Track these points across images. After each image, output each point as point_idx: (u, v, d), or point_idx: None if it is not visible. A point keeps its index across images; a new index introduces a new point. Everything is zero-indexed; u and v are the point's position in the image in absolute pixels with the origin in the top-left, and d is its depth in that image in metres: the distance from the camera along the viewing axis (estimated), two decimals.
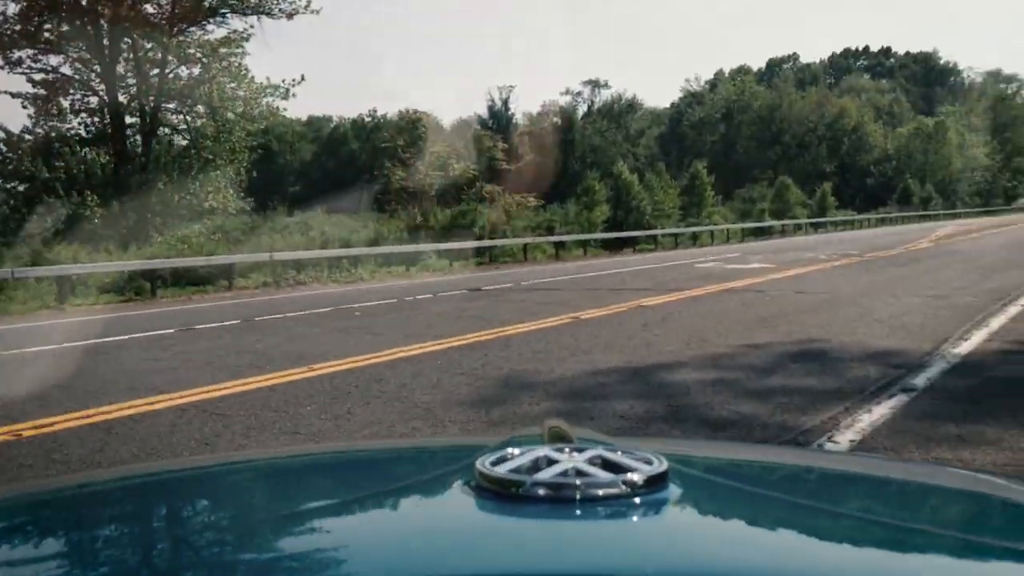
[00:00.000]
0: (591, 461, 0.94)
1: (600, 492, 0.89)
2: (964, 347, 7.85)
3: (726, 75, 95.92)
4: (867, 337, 8.49)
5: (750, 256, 22.95)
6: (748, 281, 14.91)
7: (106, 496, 1.25)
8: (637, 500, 0.89)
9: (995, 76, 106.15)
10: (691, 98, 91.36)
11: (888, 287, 13.36)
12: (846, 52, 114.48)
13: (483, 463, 0.96)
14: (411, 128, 33.63)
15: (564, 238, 32.29)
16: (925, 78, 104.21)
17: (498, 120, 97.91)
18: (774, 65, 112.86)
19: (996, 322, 9.33)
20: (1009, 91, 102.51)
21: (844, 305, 11.15)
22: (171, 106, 30.90)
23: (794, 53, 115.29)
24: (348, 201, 38.30)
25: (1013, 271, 15.60)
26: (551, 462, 0.94)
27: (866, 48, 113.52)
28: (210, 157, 30.28)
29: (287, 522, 1.02)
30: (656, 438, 4.56)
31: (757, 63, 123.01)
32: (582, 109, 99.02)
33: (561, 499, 0.88)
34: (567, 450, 0.98)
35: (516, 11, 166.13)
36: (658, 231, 36.27)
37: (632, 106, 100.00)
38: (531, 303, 12.62)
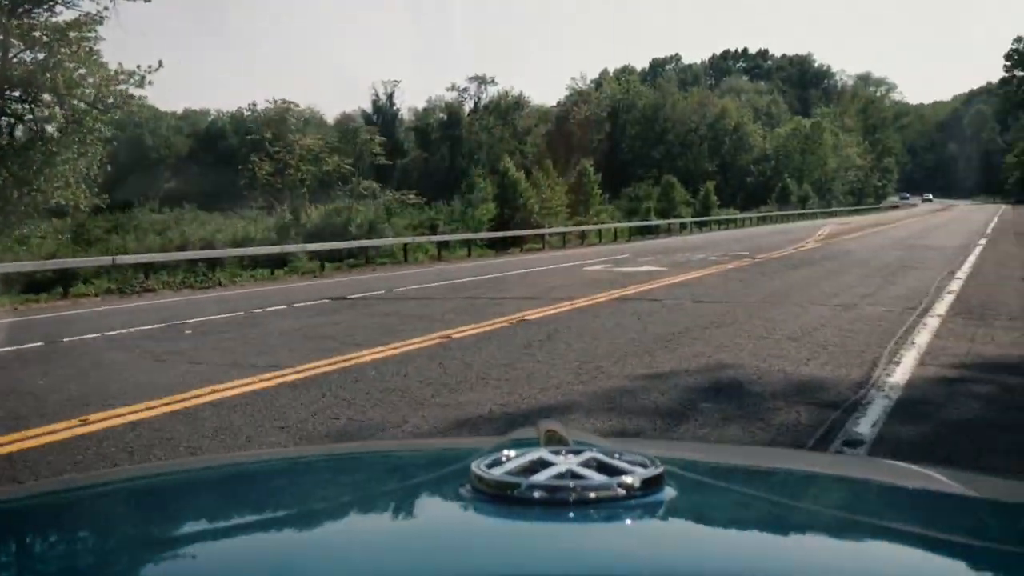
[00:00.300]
0: (587, 464, 0.93)
1: (596, 495, 0.88)
2: (898, 374, 6.62)
3: (611, 74, 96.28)
4: (784, 362, 7.18)
5: (640, 258, 21.84)
6: (641, 287, 13.62)
7: (101, 498, 1.23)
8: (633, 503, 0.89)
9: (865, 79, 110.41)
10: (577, 96, 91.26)
11: (789, 294, 12.27)
12: (725, 54, 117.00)
13: (478, 466, 0.95)
14: (280, 120, 31.23)
15: (447, 237, 30.62)
16: (801, 80, 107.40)
17: (382, 115, 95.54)
18: (657, 65, 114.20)
19: (920, 339, 8.20)
20: (878, 94, 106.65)
21: (748, 317, 9.92)
22: (16, 94, 27.75)
23: (676, 54, 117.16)
24: (224, 198, 35.63)
25: (911, 274, 14.86)
26: (546, 465, 0.93)
27: (745, 50, 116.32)
28: (55, 150, 27.22)
29: (283, 524, 1.01)
30: (652, 440, 4.38)
31: (641, 63, 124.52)
32: (469, 105, 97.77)
33: (557, 502, 0.88)
34: (563, 453, 0.97)
35: (402, 4, 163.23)
36: (546, 230, 35.02)
37: (519, 103, 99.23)
38: (399, 317, 10.92)
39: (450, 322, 10.08)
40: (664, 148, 77.09)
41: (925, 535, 1.00)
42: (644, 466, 0.94)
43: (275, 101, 30.88)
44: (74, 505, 1.21)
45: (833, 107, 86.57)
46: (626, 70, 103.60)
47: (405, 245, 27.15)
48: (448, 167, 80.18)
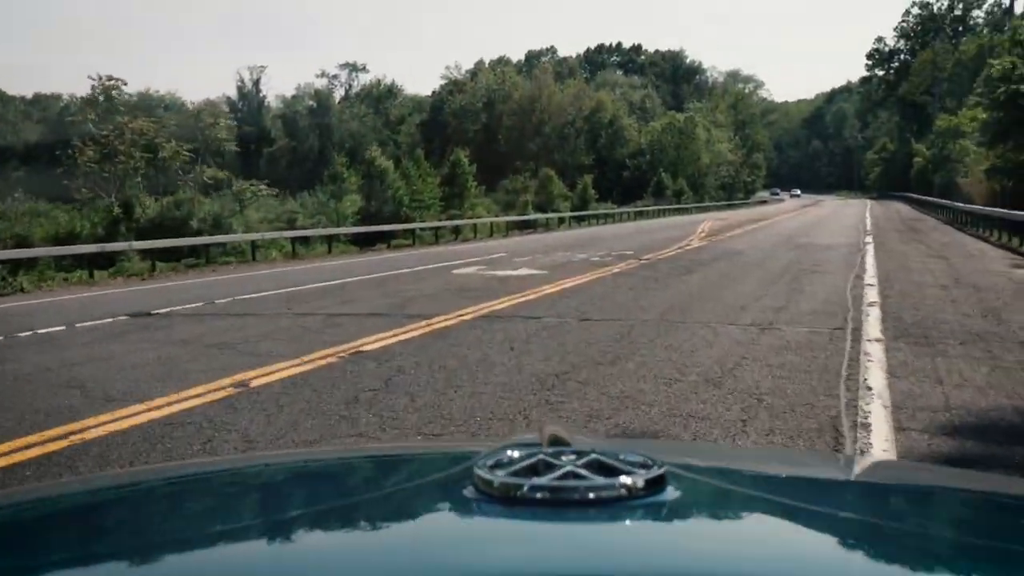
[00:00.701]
0: (589, 465, 0.93)
1: (598, 496, 0.88)
2: (878, 451, 4.56)
3: (487, 65, 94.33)
4: (714, 427, 5.02)
5: (517, 257, 19.63)
6: (516, 299, 11.35)
7: (100, 501, 1.23)
8: (635, 504, 0.89)
9: (734, 76, 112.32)
10: (453, 86, 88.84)
11: (690, 308, 10.24)
12: (600, 47, 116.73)
13: (481, 467, 0.95)
14: (105, 100, 27.31)
15: (304, 233, 27.68)
16: (673, 76, 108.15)
17: (248, 102, 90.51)
18: (533, 57, 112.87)
19: (875, 380, 6.21)
20: (747, 91, 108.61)
21: (650, 345, 7.77)
22: None
23: (552, 46, 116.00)
24: (57, 188, 31.39)
25: (816, 279, 13.16)
26: (549, 466, 0.93)
27: (619, 45, 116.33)
28: None
29: (288, 527, 1.01)
30: (654, 440, 4.28)
31: (517, 55, 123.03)
32: (339, 93, 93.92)
33: (559, 503, 0.88)
34: (565, 454, 0.96)
35: None
36: (416, 224, 32.44)
37: (392, 91, 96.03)
38: (196, 347, 8.25)
39: (261, 355, 7.52)
40: (541, 140, 75.62)
41: (929, 535, 1.00)
42: (646, 467, 0.94)
43: (99, 78, 26.96)
44: (69, 510, 1.18)
45: (705, 102, 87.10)
46: (502, 61, 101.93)
47: (253, 242, 24.10)
48: (318, 157, 76.31)
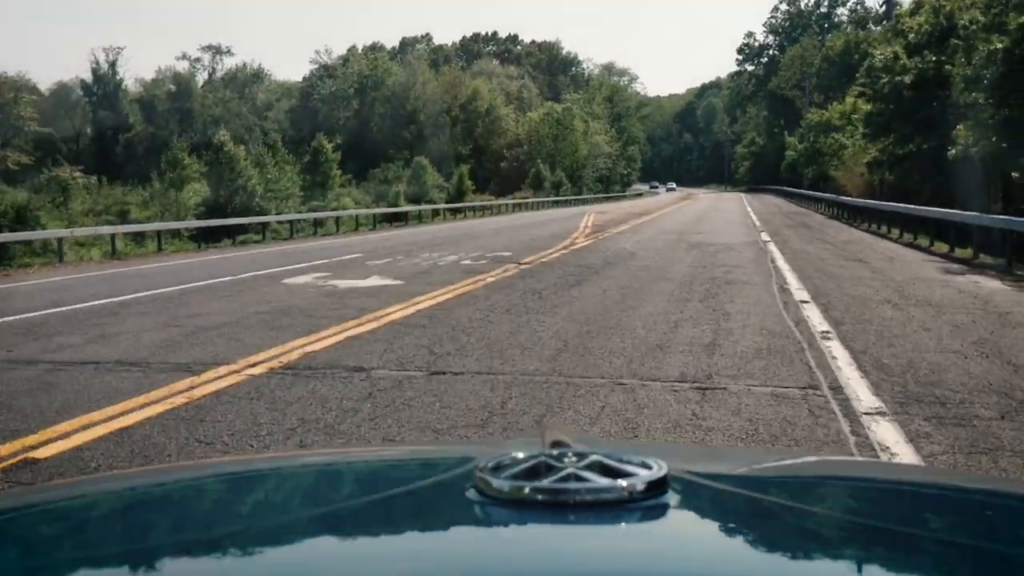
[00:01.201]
0: (590, 467, 0.91)
1: (599, 498, 0.87)
2: None
3: (360, 51, 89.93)
4: None
5: (372, 260, 16.26)
6: (346, 331, 8.07)
7: (102, 503, 1.21)
8: (636, 506, 0.88)
9: (609, 69, 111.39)
10: (323, 71, 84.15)
11: (590, 349, 7.20)
12: (476, 36, 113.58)
13: (482, 469, 0.93)
14: None
15: (132, 228, 23.47)
16: (550, 67, 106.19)
17: (103, 85, 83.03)
18: (408, 44, 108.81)
19: None
20: (622, 83, 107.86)
21: (535, 431, 4.70)
22: None
23: (427, 33, 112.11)
24: None
25: (736, 293, 10.41)
26: (550, 468, 0.91)
27: (495, 33, 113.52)
28: None
29: (290, 528, 0.99)
30: (657, 443, 4.21)
31: (391, 41, 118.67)
32: (203, 77, 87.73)
33: (560, 505, 0.87)
34: (566, 456, 0.94)
35: None
36: (270, 217, 28.49)
37: (259, 76, 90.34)
38: None
39: None
40: (416, 129, 72.08)
41: (933, 538, 0.99)
42: (648, 469, 0.93)
43: None
44: (68, 511, 1.16)
45: (582, 93, 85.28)
46: (375, 47, 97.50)
47: (60, 240, 19.81)
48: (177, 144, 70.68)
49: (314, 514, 1.07)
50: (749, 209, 39.53)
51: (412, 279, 12.50)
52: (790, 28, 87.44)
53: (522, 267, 14.02)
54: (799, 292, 10.55)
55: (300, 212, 31.21)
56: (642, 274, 12.71)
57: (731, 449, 3.68)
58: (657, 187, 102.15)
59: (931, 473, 1.77)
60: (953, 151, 21.01)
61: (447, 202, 45.16)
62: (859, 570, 0.86)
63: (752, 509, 1.05)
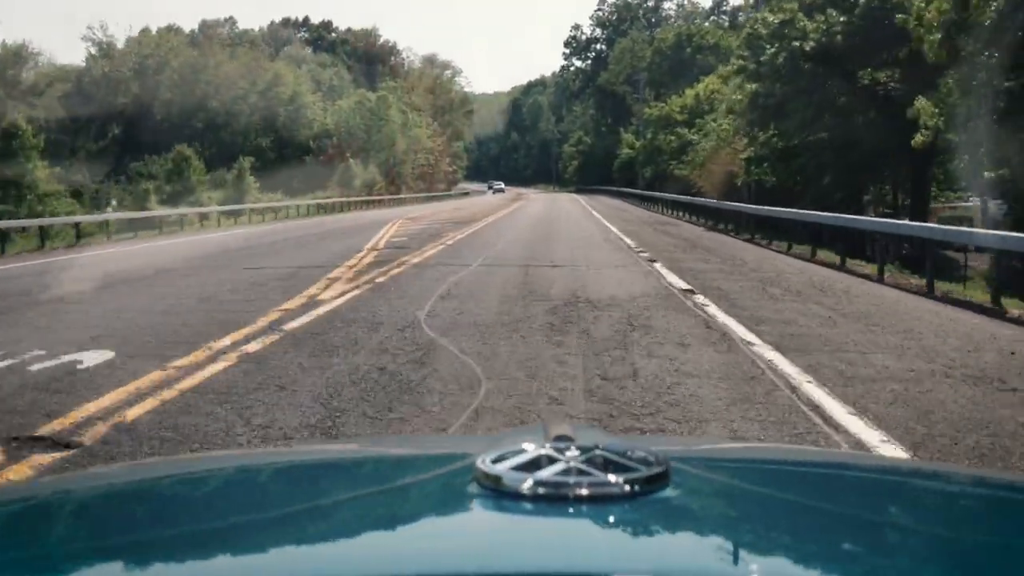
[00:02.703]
0: (592, 461, 0.90)
1: (601, 492, 0.85)
2: None
3: (154, 33, 77.11)
4: None
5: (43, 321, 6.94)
6: None
7: (96, 497, 1.18)
8: (638, 500, 0.87)
9: (431, 61, 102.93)
10: (100, 50, 71.12)
11: None
12: (286, 22, 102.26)
13: (484, 462, 0.92)
14: None
15: None
16: (366, 56, 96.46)
17: None
18: (208, 28, 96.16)
19: None
20: (445, 76, 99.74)
21: None
22: None
23: (231, 17, 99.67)
24: None
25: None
26: (552, 461, 0.90)
27: (306, 19, 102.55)
28: None
29: (289, 523, 0.98)
30: (659, 436, 4.06)
31: (190, 24, 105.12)
32: None
33: (562, 498, 0.85)
34: (568, 449, 0.93)
35: None
36: None
37: (19, 55, 75.73)
38: None
39: None
40: (206, 117, 60.98)
41: (933, 533, 0.97)
42: (649, 463, 0.91)
43: None
44: (65, 505, 1.14)
45: (400, 81, 76.38)
46: (171, 29, 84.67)
47: None
48: None
49: (315, 507, 1.03)
50: (597, 215, 32.04)
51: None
52: (618, 21, 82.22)
53: (316, 321, 5.26)
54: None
55: None
56: (531, 332, 4.34)
57: (733, 443, 3.30)
58: (493, 186, 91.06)
59: (937, 470, 1.73)
60: (921, 136, 13.99)
61: (226, 203, 35.31)
62: (859, 563, 0.84)
63: (753, 503, 1.03)
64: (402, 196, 58.71)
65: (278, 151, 60.87)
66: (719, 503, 1.03)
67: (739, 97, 23.64)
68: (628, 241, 18.30)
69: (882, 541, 0.91)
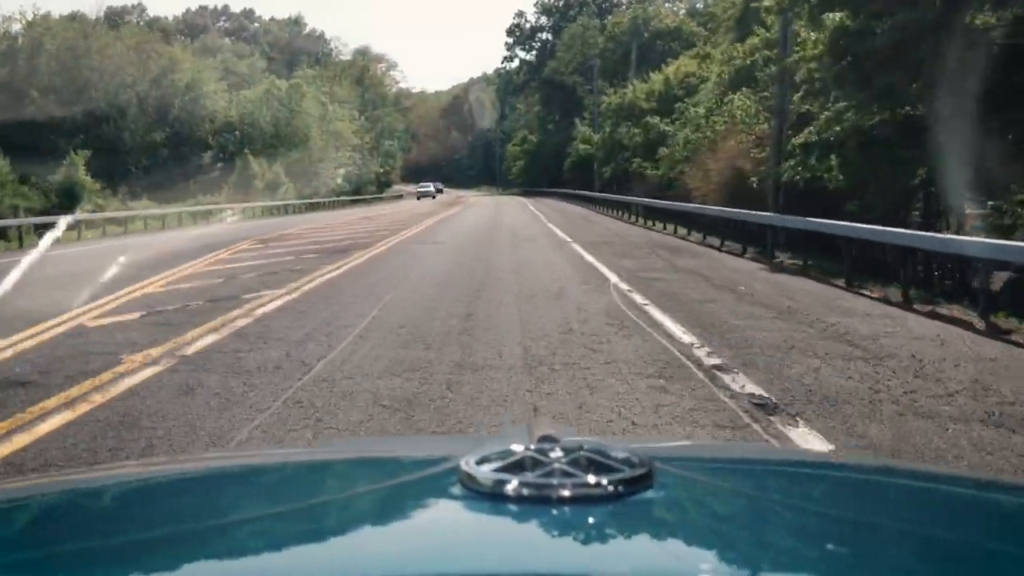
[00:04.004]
0: (576, 462, 0.88)
1: (585, 493, 0.84)
2: None
3: (56, 17, 65.61)
4: None
5: None
6: None
7: (86, 498, 1.16)
8: (622, 501, 0.85)
9: (364, 54, 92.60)
10: None
11: None
12: (203, 10, 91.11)
13: (468, 463, 0.90)
14: None
15: None
16: (290, 46, 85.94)
17: None
18: (115, 16, 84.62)
19: None
20: (380, 70, 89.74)
21: None
22: None
23: (140, 3, 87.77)
24: None
25: None
26: (536, 463, 0.88)
27: (226, 7, 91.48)
28: None
29: (273, 525, 0.95)
30: (644, 437, 3.98)
31: (95, 10, 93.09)
32: None
33: (546, 500, 0.84)
34: (552, 450, 0.91)
35: None
36: None
37: None
38: None
39: None
40: (84, 108, 50.24)
41: (917, 532, 0.96)
42: (632, 464, 0.89)
43: None
44: (50, 506, 1.11)
45: (320, 69, 66.04)
46: (76, 17, 73.20)
47: None
48: None
49: (299, 509, 1.01)
50: (562, 233, 21.41)
51: None
52: (565, 8, 73.08)
53: None
54: None
55: None
56: None
57: (718, 444, 3.34)
58: (429, 188, 75.96)
59: (919, 468, 1.67)
60: None
61: (44, 212, 25.22)
62: (842, 563, 0.83)
63: (736, 504, 1.01)
64: (321, 200, 48.79)
65: (173, 147, 50.48)
66: (702, 504, 1.00)
67: (811, 40, 13.92)
68: (606, 269, 8.94)
69: (865, 541, 0.89)
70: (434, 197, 65.17)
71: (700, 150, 24.14)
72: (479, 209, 41.32)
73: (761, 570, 0.81)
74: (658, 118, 33.12)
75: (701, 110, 27.58)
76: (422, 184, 72.19)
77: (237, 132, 47.80)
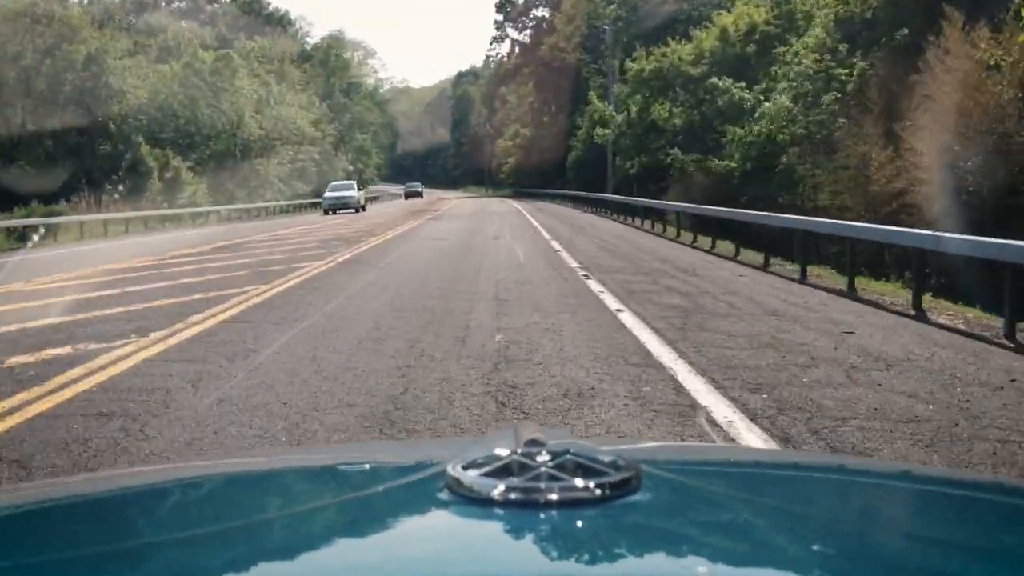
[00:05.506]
0: (563, 466, 0.87)
1: (571, 497, 0.83)
2: None
3: None
4: None
5: None
6: None
7: (80, 505, 1.13)
8: (609, 504, 0.84)
9: (338, 40, 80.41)
10: None
11: None
12: None
13: (455, 468, 0.88)
14: None
15: None
16: (251, 28, 73.80)
17: None
18: None
19: None
20: (357, 58, 77.62)
21: None
22: None
23: None
24: None
25: None
26: (523, 467, 0.87)
27: None
28: None
29: (260, 531, 0.94)
30: (631, 440, 3.70)
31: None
32: None
33: (533, 504, 0.82)
34: (540, 454, 0.89)
35: None
36: None
37: None
38: None
39: None
40: None
41: (905, 535, 0.95)
42: (619, 468, 0.88)
43: None
44: (51, 512, 1.09)
45: (265, 41, 53.88)
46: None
47: None
48: None
49: (286, 516, 1.00)
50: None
51: None
52: None
53: None
54: None
55: None
56: None
57: (705, 446, 3.20)
58: (419, 188, 64.52)
59: (905, 469, 1.62)
60: None
61: None
62: (829, 565, 0.83)
63: (723, 507, 1.00)
64: (265, 204, 36.78)
65: (89, 136, 38.15)
66: (689, 507, 0.98)
67: None
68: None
69: (852, 544, 0.88)
70: (421, 196, 60.41)
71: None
72: (452, 223, 25.22)
73: (746, 573, 0.79)
74: (730, 81, 21.09)
75: (803, 65, 15.63)
76: (409, 184, 67.45)
77: (143, 117, 35.50)
